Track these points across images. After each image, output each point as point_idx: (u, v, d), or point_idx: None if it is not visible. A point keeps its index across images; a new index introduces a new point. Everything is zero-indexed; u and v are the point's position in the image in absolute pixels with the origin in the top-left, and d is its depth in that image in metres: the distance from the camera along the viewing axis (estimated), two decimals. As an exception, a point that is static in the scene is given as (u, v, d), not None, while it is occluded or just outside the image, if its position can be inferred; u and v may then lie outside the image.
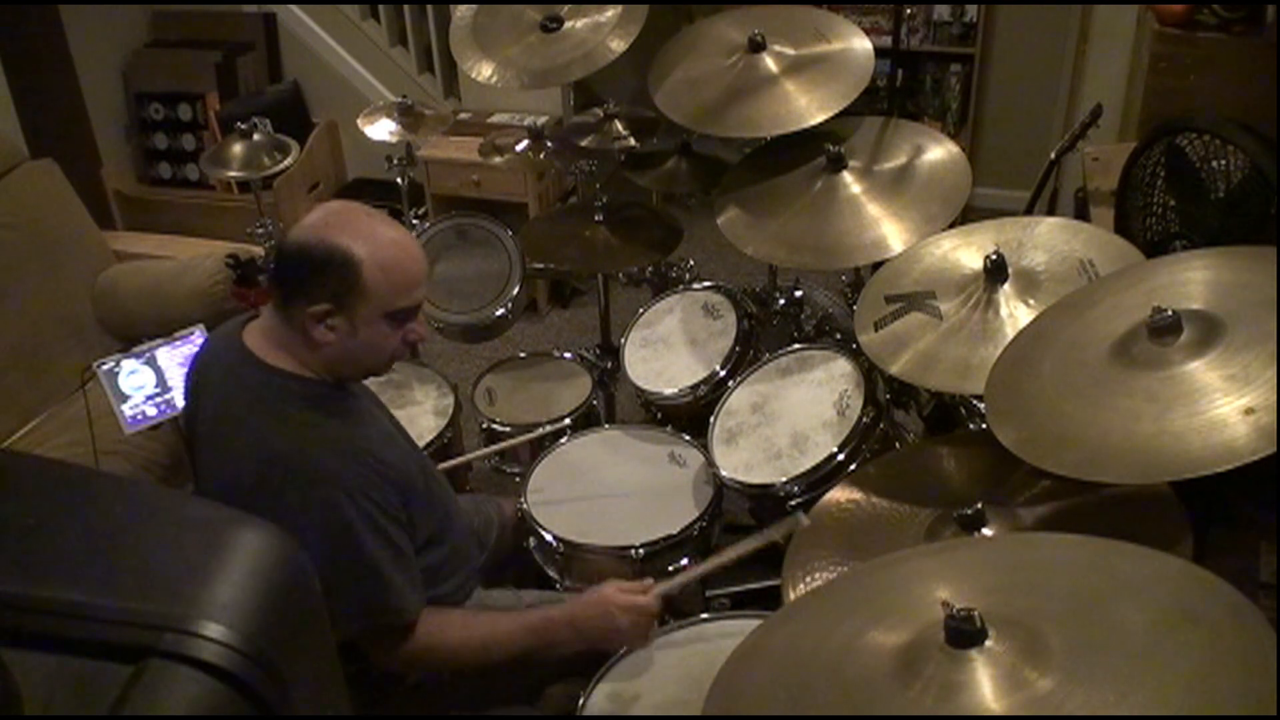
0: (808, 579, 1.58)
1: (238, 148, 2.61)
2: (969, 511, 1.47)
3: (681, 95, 2.33)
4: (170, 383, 2.23)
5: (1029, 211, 2.71)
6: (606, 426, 2.31)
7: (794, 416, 1.99)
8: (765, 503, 1.94)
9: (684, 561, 1.94)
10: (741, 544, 1.70)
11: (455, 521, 1.81)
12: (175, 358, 2.24)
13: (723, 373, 2.18)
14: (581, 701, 1.62)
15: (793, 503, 1.85)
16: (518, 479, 2.21)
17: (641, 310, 2.42)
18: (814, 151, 2.20)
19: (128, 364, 2.21)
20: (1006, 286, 1.73)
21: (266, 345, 1.58)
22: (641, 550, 1.88)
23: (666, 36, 2.49)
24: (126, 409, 2.21)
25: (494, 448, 2.32)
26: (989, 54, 4.12)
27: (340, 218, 1.54)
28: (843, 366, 2.01)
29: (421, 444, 2.25)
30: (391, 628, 1.59)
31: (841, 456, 1.86)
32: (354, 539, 1.52)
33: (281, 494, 1.50)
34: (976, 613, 1.00)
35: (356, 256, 1.50)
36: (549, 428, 2.29)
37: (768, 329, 2.42)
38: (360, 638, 1.60)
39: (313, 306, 1.52)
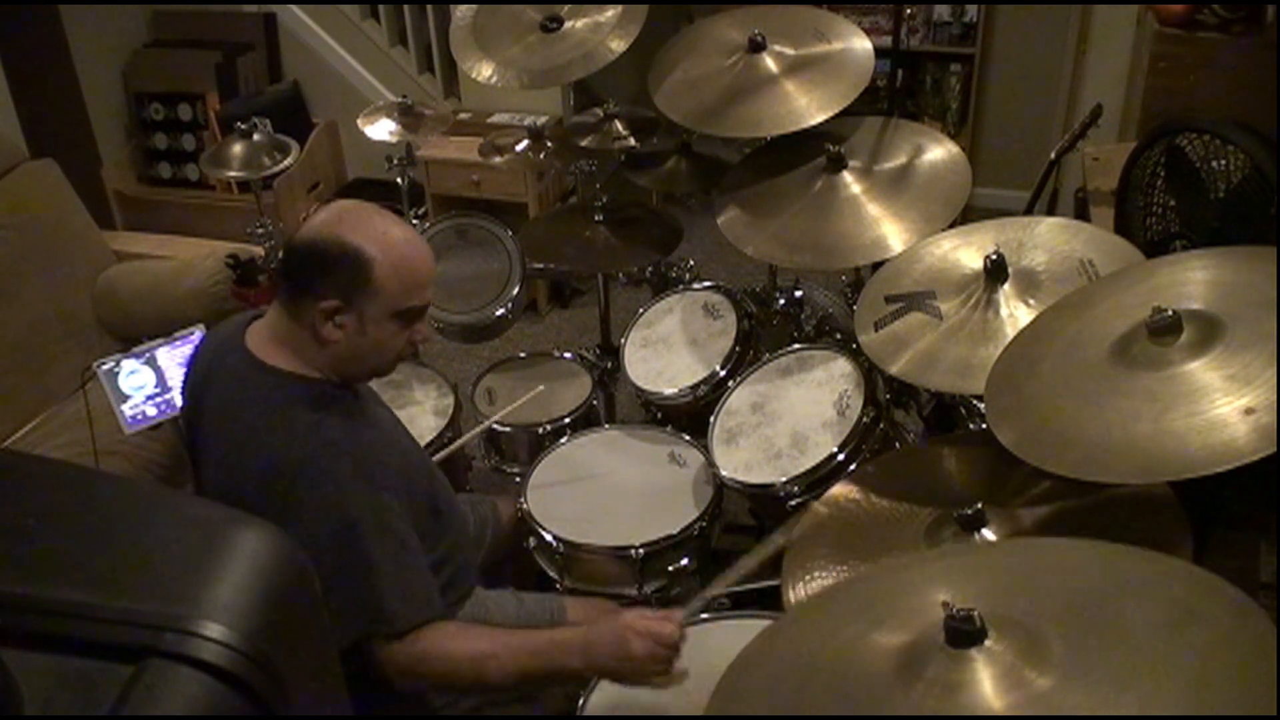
0: (807, 579, 1.58)
1: (238, 148, 2.61)
2: (969, 512, 1.47)
3: (681, 95, 2.33)
4: (170, 383, 2.23)
5: (1029, 211, 2.70)
6: (606, 426, 2.32)
7: (794, 416, 1.99)
8: (765, 503, 1.94)
9: (684, 561, 1.94)
10: (754, 553, 1.62)
11: (455, 521, 1.81)
12: (175, 358, 2.24)
13: (723, 373, 2.18)
14: (581, 701, 1.62)
15: (793, 503, 1.85)
16: (518, 479, 2.21)
17: (641, 310, 2.42)
18: (814, 151, 2.20)
19: (128, 364, 2.21)
20: (1006, 286, 1.73)
21: (270, 346, 1.58)
22: (641, 550, 1.88)
23: (666, 36, 2.49)
24: (126, 409, 2.21)
25: (483, 426, 2.28)
26: (989, 54, 4.12)
27: (352, 216, 1.55)
28: (843, 366, 2.01)
29: (421, 444, 2.25)
30: (386, 635, 1.53)
31: (841, 456, 1.86)
32: (359, 541, 1.51)
33: (288, 497, 1.50)
34: (976, 613, 1.00)
35: (369, 254, 1.51)
36: (546, 423, 2.30)
37: (768, 329, 2.42)
38: (360, 640, 1.55)
39: (322, 303, 1.52)
